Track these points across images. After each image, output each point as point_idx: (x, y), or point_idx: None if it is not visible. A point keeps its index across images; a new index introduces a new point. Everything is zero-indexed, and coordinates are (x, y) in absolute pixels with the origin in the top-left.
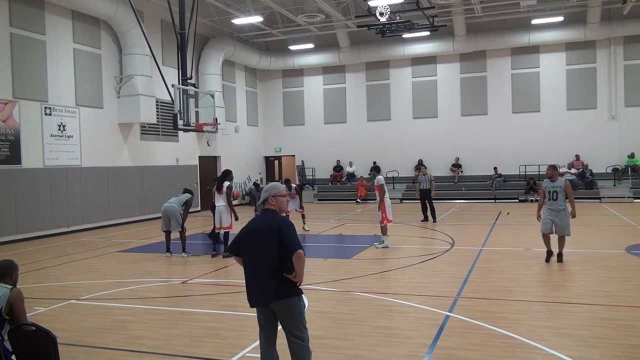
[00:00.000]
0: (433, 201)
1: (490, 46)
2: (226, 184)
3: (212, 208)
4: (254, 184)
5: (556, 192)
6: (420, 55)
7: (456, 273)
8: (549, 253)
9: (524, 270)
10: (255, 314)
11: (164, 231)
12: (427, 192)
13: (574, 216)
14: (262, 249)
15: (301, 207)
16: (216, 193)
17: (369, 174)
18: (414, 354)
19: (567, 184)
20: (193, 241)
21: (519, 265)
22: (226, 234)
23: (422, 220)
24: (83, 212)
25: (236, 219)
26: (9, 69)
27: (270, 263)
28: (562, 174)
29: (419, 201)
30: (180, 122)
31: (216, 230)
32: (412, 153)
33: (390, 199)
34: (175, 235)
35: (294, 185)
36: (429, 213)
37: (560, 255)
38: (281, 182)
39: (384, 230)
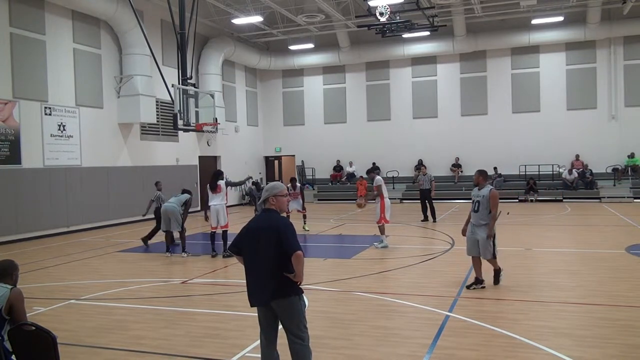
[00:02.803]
0: (433, 201)
1: (490, 46)
2: (221, 182)
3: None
4: (254, 183)
5: (478, 202)
6: (420, 55)
7: (456, 273)
8: (476, 279)
9: (524, 270)
10: (256, 314)
11: (164, 231)
12: (427, 192)
13: (488, 236)
14: (262, 249)
15: (303, 207)
16: (211, 192)
17: (367, 175)
18: (414, 354)
19: (492, 193)
20: (193, 241)
21: (519, 265)
22: (225, 233)
23: (422, 220)
24: (83, 212)
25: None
26: (9, 69)
27: (270, 263)
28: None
29: (419, 201)
30: (180, 122)
31: (212, 230)
32: (412, 153)
33: (391, 199)
34: (175, 235)
35: (298, 185)
36: (429, 213)
37: (496, 275)
38: (282, 181)
39: (381, 230)
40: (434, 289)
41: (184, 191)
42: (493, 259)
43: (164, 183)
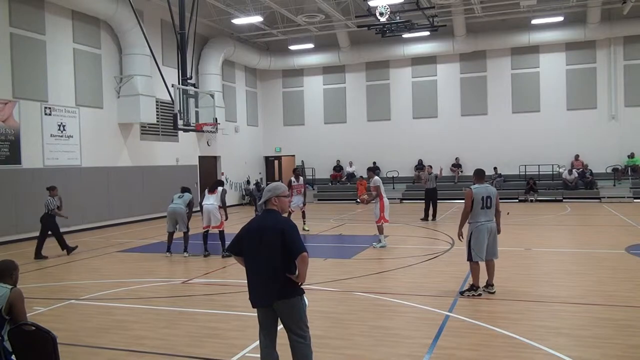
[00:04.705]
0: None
1: (490, 46)
2: (220, 188)
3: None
4: (255, 183)
5: None
6: (420, 55)
7: (456, 273)
8: (471, 286)
9: (524, 270)
10: (256, 314)
11: (168, 232)
12: (432, 192)
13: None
14: (265, 250)
15: (304, 203)
16: (207, 193)
17: (367, 174)
18: (414, 354)
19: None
20: (193, 241)
21: (519, 265)
22: (221, 233)
23: (421, 219)
24: (83, 212)
25: (225, 218)
26: (9, 69)
27: (273, 264)
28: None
29: (424, 200)
30: (180, 122)
31: (204, 229)
32: (412, 153)
33: (391, 199)
34: (177, 235)
35: (302, 177)
36: (430, 212)
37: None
38: (282, 181)
39: (380, 230)
40: (434, 289)
41: (183, 189)
42: (468, 261)
43: (164, 183)
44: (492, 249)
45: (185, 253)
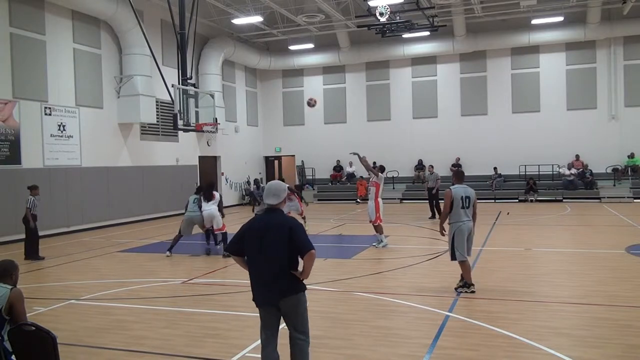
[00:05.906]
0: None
1: (490, 46)
2: (215, 193)
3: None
4: (255, 181)
5: None
6: (420, 55)
7: (456, 273)
8: (464, 282)
9: (523, 270)
10: (255, 314)
11: (181, 235)
12: (432, 191)
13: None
14: (272, 249)
15: (301, 209)
16: (204, 200)
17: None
18: (414, 354)
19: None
20: (194, 241)
21: (518, 265)
22: (224, 235)
23: (429, 218)
24: (83, 212)
25: (222, 216)
26: (9, 69)
27: (280, 262)
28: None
29: (427, 200)
30: (180, 122)
31: (206, 228)
32: (412, 153)
33: (391, 199)
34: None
35: (287, 185)
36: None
37: (463, 283)
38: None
39: (379, 230)
40: (434, 289)
41: (199, 189)
42: (453, 260)
43: (164, 183)
44: (469, 248)
45: (168, 252)
